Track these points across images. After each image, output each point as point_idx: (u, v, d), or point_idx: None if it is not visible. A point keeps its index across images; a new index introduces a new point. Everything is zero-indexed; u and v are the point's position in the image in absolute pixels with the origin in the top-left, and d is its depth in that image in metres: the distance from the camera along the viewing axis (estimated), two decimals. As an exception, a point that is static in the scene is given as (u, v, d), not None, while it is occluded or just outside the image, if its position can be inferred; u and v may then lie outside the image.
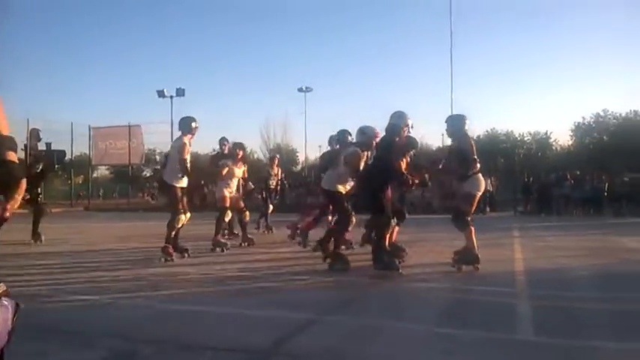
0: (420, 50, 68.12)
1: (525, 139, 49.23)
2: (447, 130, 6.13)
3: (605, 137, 43.80)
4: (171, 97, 30.18)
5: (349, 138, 7.40)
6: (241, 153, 8.35)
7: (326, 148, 9.54)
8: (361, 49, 70.69)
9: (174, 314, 4.03)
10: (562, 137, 48.76)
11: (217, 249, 7.56)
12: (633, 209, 17.84)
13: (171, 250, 6.53)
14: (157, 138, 27.76)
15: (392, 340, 3.35)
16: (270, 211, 10.80)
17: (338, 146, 7.57)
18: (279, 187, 11.20)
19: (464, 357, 3.07)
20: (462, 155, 5.81)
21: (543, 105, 65.13)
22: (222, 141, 9.57)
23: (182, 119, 6.92)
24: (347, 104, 62.81)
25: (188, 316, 3.96)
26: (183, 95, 30.59)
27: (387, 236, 6.07)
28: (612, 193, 18.44)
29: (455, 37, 25.10)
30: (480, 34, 62.83)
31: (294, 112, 68.84)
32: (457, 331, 3.52)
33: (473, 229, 5.77)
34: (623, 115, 43.37)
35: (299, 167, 46.90)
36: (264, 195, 10.87)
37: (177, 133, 6.92)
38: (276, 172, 10.95)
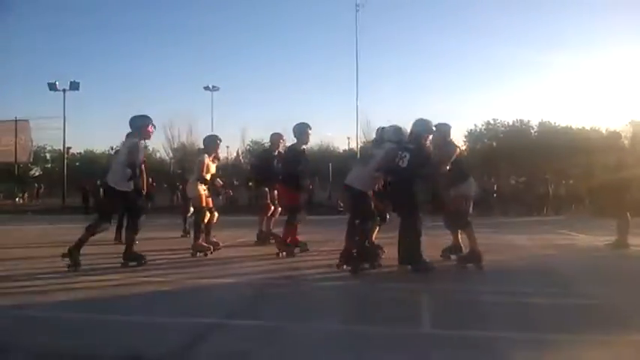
0: (327, 53, 69.37)
1: (424, 143, 51.66)
2: (433, 138, 6.29)
3: (494, 143, 47.26)
4: (64, 90, 28.17)
5: (309, 132, 7.28)
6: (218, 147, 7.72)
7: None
8: (269, 49, 70.60)
9: (77, 323, 3.75)
10: (458, 143, 51.95)
11: (199, 254, 7.02)
12: (518, 209, 19.50)
13: (76, 254, 5.88)
14: (48, 134, 25.83)
15: (298, 341, 3.35)
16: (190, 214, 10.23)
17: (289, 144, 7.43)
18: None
19: (372, 353, 3.13)
20: (455, 162, 6.14)
21: (440, 112, 69.20)
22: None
23: (134, 118, 6.24)
24: (255, 105, 62.43)
25: (92, 325, 3.71)
26: (78, 89, 28.72)
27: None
28: (500, 195, 20.02)
29: (360, 44, 25.79)
30: (385, 42, 65.29)
31: (200, 111, 66.98)
32: (362, 327, 3.61)
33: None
34: (510, 123, 47.13)
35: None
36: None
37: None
38: None
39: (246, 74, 69.80)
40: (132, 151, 6.02)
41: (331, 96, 61.05)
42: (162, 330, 3.60)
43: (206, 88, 38.67)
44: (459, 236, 6.51)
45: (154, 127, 6.33)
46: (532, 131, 46.37)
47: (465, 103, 61.56)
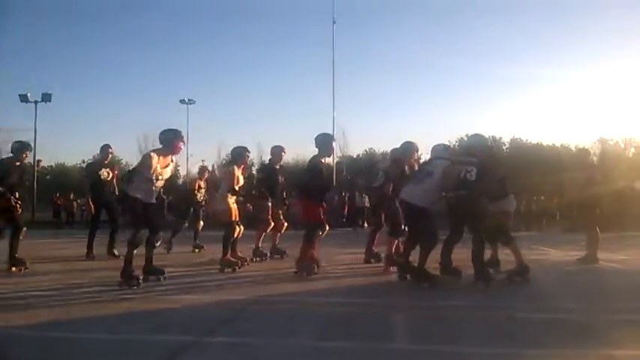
0: (304, 67, 69.77)
1: (398, 159, 52.20)
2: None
3: (467, 159, 48.13)
4: (36, 102, 27.69)
5: (333, 144, 7.10)
6: (247, 158, 7.68)
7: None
8: (245, 63, 70.69)
9: (49, 342, 3.65)
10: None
11: (227, 269, 6.87)
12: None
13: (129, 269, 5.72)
14: (18, 147, 25.15)
15: (272, 358, 3.31)
16: (201, 227, 10.10)
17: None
18: (204, 202, 10.30)
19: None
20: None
21: (416, 128, 70.11)
22: (106, 148, 8.69)
23: (164, 130, 6.04)
24: (231, 119, 62.28)
25: (62, 344, 3.60)
26: (50, 101, 28.25)
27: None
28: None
29: (336, 58, 25.97)
30: (361, 57, 66.09)
31: (175, 124, 66.27)
32: (338, 343, 3.59)
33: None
34: (483, 139, 48.11)
35: (180, 181, 45.19)
36: (191, 210, 10.13)
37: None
38: (204, 185, 10.19)
39: (222, 88, 69.83)
40: (141, 161, 5.93)
41: (308, 110, 61.37)
42: (142, 347, 3.53)
43: (182, 101, 38.51)
44: (498, 251, 6.73)
45: (184, 143, 6.11)
46: (504, 148, 47.38)
47: (439, 119, 62.68)
